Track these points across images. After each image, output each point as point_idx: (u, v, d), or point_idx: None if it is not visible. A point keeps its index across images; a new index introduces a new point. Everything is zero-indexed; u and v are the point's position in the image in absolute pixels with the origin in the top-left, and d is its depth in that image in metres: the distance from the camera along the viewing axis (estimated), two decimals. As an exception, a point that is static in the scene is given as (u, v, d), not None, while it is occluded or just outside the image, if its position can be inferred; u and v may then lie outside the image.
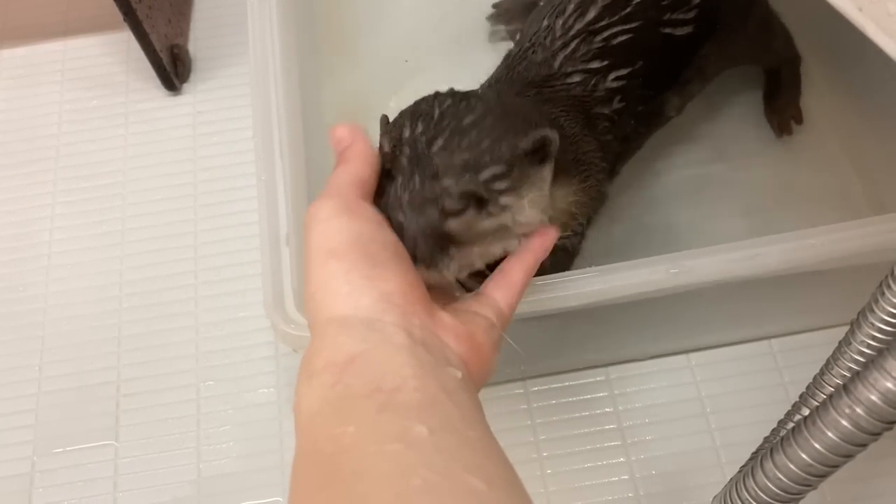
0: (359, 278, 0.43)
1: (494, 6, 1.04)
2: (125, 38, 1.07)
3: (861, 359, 0.47)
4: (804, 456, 0.41)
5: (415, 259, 0.49)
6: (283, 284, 0.64)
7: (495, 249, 0.54)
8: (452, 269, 0.51)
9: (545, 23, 0.79)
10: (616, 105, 0.76)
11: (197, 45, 1.08)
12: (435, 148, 0.52)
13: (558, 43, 0.77)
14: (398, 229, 0.49)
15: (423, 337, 0.42)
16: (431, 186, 0.51)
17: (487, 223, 0.52)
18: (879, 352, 0.39)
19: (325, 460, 0.37)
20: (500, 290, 0.50)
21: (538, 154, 0.55)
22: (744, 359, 0.83)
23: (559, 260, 0.70)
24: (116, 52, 1.08)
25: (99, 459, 0.83)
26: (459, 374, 0.42)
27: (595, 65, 0.75)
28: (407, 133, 0.54)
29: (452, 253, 0.51)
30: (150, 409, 0.85)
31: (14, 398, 0.86)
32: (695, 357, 0.83)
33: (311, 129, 0.78)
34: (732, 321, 0.80)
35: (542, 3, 0.85)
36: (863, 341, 0.47)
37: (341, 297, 0.42)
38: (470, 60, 0.97)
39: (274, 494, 0.80)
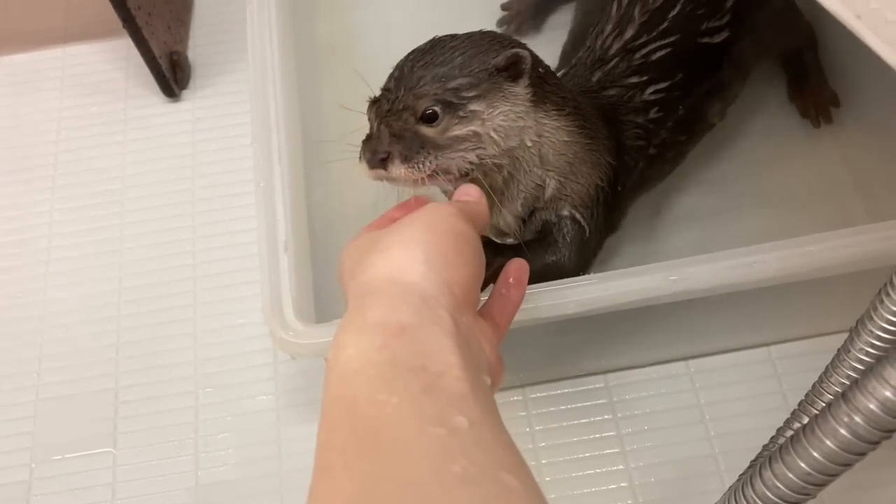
0: (437, 256, 0.45)
1: (503, 7, 1.03)
2: (124, 45, 1.07)
3: (860, 366, 0.47)
4: (803, 465, 0.41)
5: (388, 159, 0.59)
6: (282, 291, 0.64)
7: (470, 156, 0.62)
8: (428, 166, 0.60)
9: (587, 43, 0.81)
10: (653, 115, 0.77)
11: (196, 52, 1.08)
12: (417, 66, 0.62)
13: (597, 62, 0.79)
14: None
15: (468, 335, 0.44)
16: (407, 96, 0.61)
17: (459, 128, 0.61)
18: (878, 360, 0.39)
19: (364, 423, 0.37)
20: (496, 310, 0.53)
21: (511, 70, 0.62)
22: (742, 366, 0.83)
23: (572, 233, 0.71)
24: (116, 59, 1.08)
25: (97, 467, 0.82)
26: (489, 382, 0.43)
27: (634, 80, 0.77)
28: (400, 63, 0.63)
29: (429, 152, 0.60)
30: (149, 417, 0.85)
31: (12, 405, 0.86)
32: (694, 364, 0.83)
33: (310, 137, 0.78)
34: (731, 328, 0.80)
35: (575, 24, 0.86)
36: (861, 349, 0.47)
37: (416, 264, 0.45)
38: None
39: (272, 502, 0.80)
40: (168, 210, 0.97)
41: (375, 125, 0.62)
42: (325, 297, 0.70)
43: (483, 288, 0.51)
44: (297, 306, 0.64)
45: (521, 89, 0.63)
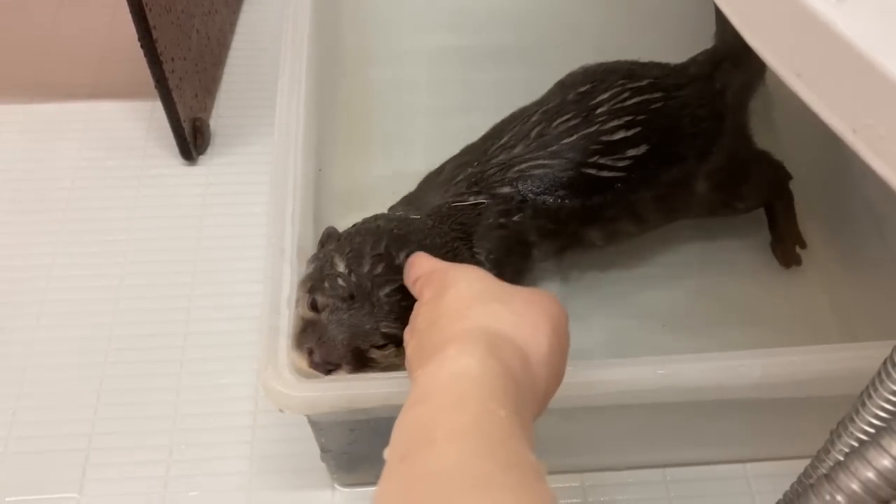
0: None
1: None
2: (149, 107, 1.12)
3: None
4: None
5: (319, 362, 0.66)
6: (279, 344, 0.65)
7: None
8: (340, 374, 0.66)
9: (483, 146, 0.85)
10: (515, 218, 0.80)
11: (218, 121, 1.12)
12: (383, 292, 0.67)
13: (478, 165, 0.83)
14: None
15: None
16: (369, 318, 0.66)
17: (397, 360, 0.67)
18: (862, 443, 0.41)
19: (472, 417, 0.40)
20: None
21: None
22: (718, 480, 0.83)
23: None
24: (139, 119, 1.12)
25: (58, 512, 0.81)
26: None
27: (505, 190, 0.80)
28: (356, 266, 0.68)
29: (349, 367, 0.66)
30: (120, 466, 0.84)
31: (-18, 440, 0.85)
32: (670, 472, 0.83)
33: (321, 203, 0.81)
34: (709, 440, 0.81)
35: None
36: (841, 450, 0.49)
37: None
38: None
39: (233, 567, 0.78)
40: (169, 266, 0.98)
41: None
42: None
43: None
44: (292, 360, 0.65)
45: None
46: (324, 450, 0.76)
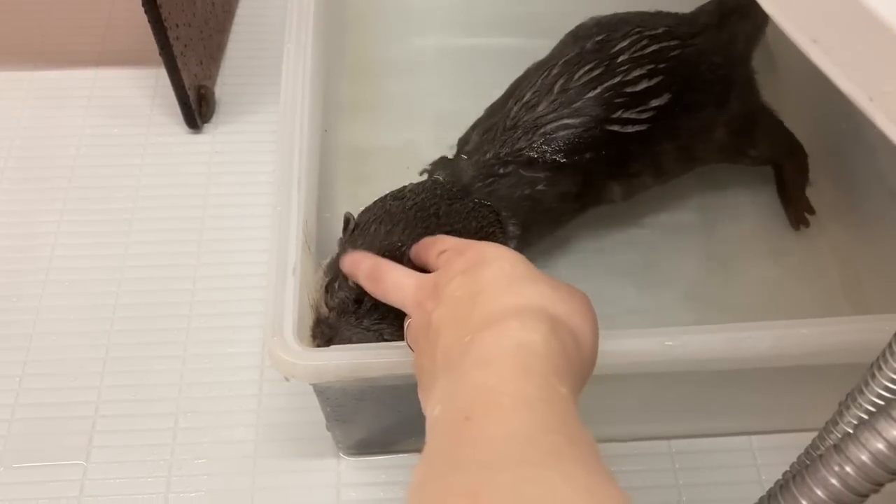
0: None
1: None
2: (154, 75, 1.11)
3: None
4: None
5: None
6: (285, 312, 0.65)
7: None
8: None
9: (505, 109, 0.83)
10: (540, 187, 0.80)
11: (223, 89, 1.11)
12: None
13: (507, 131, 0.81)
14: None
15: None
16: (376, 324, 0.67)
17: None
18: (872, 415, 0.40)
19: (557, 402, 0.41)
20: None
21: None
22: (724, 451, 0.83)
23: None
24: (144, 87, 1.11)
25: (66, 478, 0.81)
26: None
27: (533, 154, 0.79)
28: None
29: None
30: (126, 434, 0.84)
31: (-12, 407, 0.85)
32: (675, 444, 0.83)
33: (326, 170, 0.81)
34: (715, 411, 0.81)
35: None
36: (849, 422, 0.48)
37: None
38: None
39: (239, 533, 0.78)
40: (175, 235, 0.98)
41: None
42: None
43: None
44: (297, 329, 0.64)
45: None
46: (329, 419, 0.76)
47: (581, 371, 0.47)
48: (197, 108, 1.04)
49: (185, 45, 0.99)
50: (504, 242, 0.77)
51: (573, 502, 0.34)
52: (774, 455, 0.83)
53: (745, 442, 0.84)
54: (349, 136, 0.99)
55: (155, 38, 0.94)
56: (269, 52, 1.14)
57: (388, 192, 0.77)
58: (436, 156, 0.93)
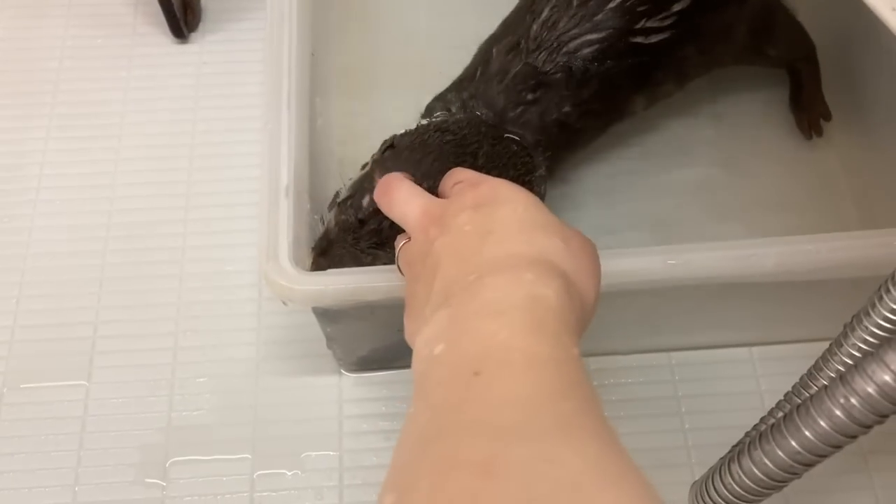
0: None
1: None
2: (136, -20, 1.06)
3: (851, 362, 0.47)
4: (793, 443, 0.42)
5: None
6: (279, 235, 0.64)
7: None
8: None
9: (524, 26, 0.79)
10: (566, 108, 0.77)
11: (208, -3, 1.07)
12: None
13: (530, 54, 0.77)
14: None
15: None
16: (371, 248, 0.67)
17: None
18: (877, 347, 0.40)
19: (569, 365, 0.40)
20: None
21: None
22: (724, 363, 0.83)
23: None
24: (126, -6, 1.06)
25: (69, 398, 0.81)
26: None
27: (558, 76, 0.76)
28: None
29: None
30: (126, 354, 0.84)
31: (-13, 330, 0.85)
32: (676, 356, 0.84)
33: (318, 89, 0.78)
34: (717, 324, 0.81)
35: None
36: (854, 344, 0.48)
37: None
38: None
39: (243, 451, 0.79)
40: (165, 150, 0.95)
41: None
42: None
43: None
44: (294, 251, 0.63)
45: None
46: (330, 339, 0.76)
47: (579, 329, 0.45)
48: (182, 17, 1.00)
49: (167, -51, 0.94)
50: (539, 186, 0.75)
51: (586, 483, 0.33)
52: (775, 365, 0.83)
53: (745, 353, 0.84)
54: (340, 45, 0.95)
55: (133, -57, 0.89)
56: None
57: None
58: (438, 65, 0.89)
